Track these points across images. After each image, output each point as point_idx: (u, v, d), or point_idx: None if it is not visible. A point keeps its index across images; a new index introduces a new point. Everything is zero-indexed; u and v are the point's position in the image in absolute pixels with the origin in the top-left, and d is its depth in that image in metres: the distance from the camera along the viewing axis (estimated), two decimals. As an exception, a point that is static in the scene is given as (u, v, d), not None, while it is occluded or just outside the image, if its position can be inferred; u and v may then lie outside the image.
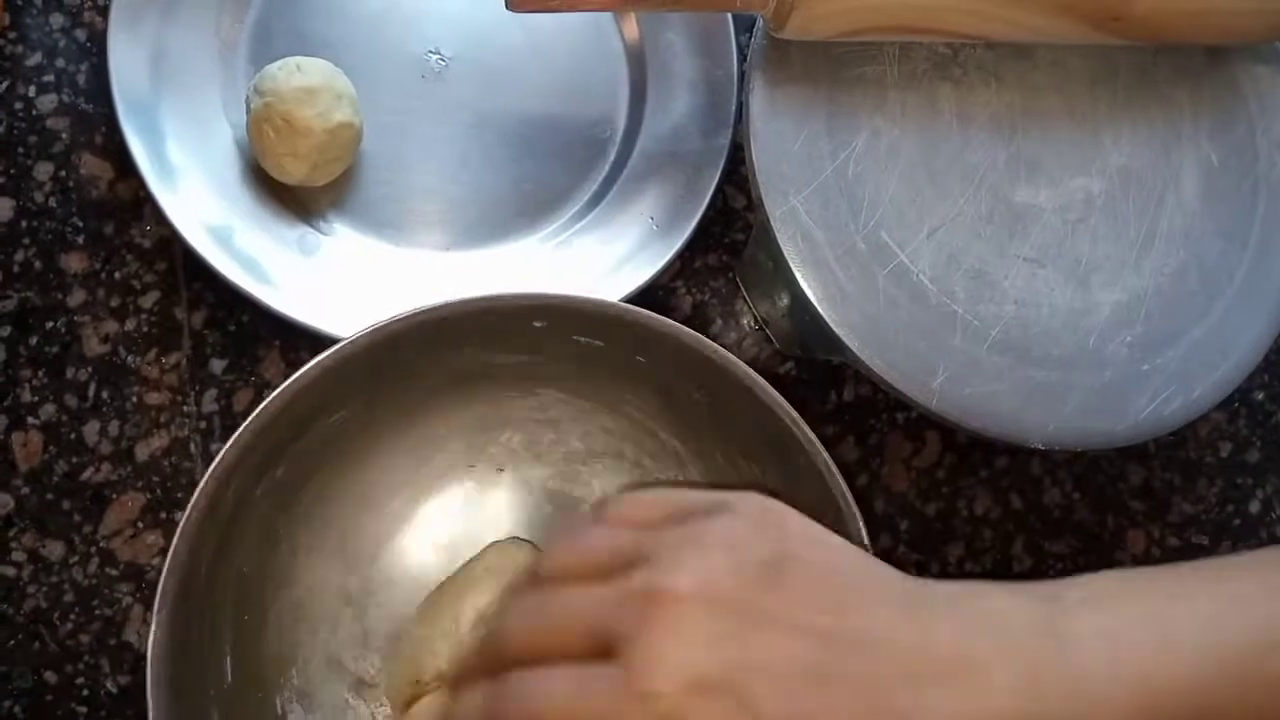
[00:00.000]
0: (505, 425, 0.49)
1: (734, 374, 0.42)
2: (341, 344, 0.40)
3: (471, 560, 0.47)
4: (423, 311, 0.41)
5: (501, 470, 0.50)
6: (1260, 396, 0.60)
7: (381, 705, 0.46)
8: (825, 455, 0.41)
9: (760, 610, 0.29)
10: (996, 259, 0.49)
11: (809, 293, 0.46)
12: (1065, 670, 0.29)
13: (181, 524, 0.39)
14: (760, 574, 0.29)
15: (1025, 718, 0.29)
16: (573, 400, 0.49)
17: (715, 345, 0.42)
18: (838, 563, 0.31)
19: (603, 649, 0.29)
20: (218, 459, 0.39)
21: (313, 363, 0.40)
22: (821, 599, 0.30)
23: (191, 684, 0.40)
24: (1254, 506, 0.58)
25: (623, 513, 0.33)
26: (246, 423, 0.39)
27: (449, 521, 0.49)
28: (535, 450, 0.50)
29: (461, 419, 0.49)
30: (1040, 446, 0.48)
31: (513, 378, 0.48)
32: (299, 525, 0.46)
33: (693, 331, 0.42)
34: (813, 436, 0.42)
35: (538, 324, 0.44)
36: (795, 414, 0.42)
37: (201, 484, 0.39)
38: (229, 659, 0.43)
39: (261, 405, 0.40)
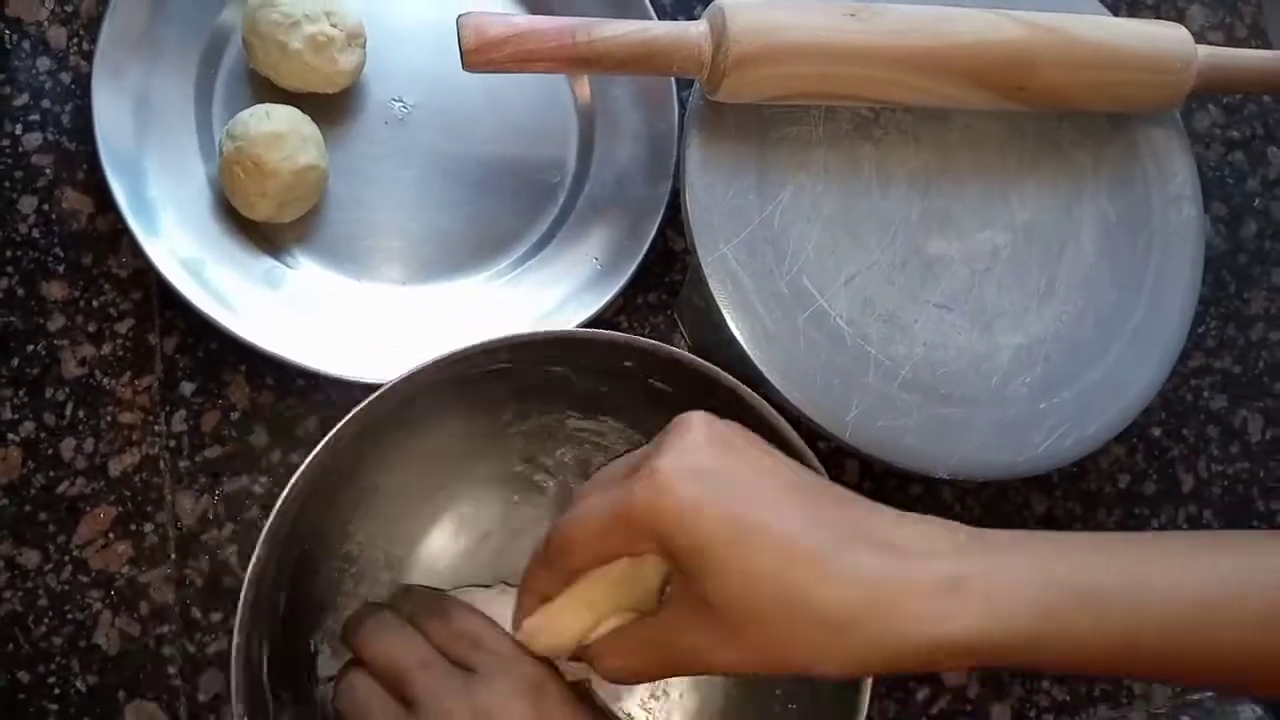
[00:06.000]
0: (565, 440, 0.52)
1: (791, 442, 0.45)
2: (481, 343, 0.44)
3: None
4: (538, 335, 0.46)
5: (549, 480, 0.53)
6: (1158, 433, 0.64)
7: None
8: None
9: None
10: (908, 304, 0.53)
11: (736, 333, 0.50)
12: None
13: (323, 441, 0.42)
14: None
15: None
16: (632, 435, 0.52)
17: (774, 412, 0.46)
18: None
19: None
20: (373, 396, 0.43)
21: (464, 348, 0.44)
22: (790, 463, 0.40)
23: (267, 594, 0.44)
24: (1149, 534, 0.63)
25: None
26: (400, 375, 0.43)
27: (489, 516, 0.53)
28: (584, 470, 0.53)
29: (528, 422, 0.52)
30: (945, 476, 0.52)
31: (585, 399, 0.51)
32: (375, 483, 0.50)
33: (753, 393, 0.46)
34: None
35: (628, 364, 0.47)
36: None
37: (351, 413, 0.43)
38: (284, 593, 0.46)
39: (415, 367, 0.43)
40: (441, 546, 0.52)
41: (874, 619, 0.35)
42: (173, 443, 0.53)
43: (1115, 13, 0.60)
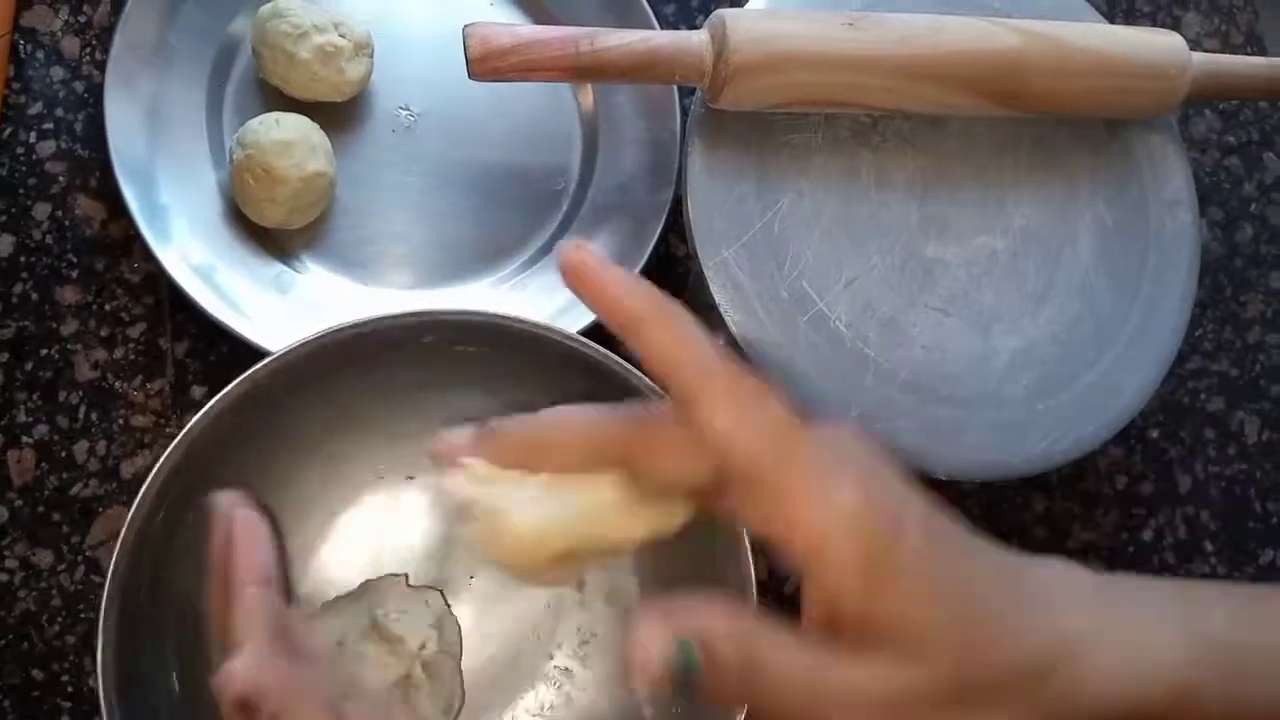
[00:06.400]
0: (407, 436, 0.52)
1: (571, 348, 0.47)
2: (236, 382, 0.43)
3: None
4: (315, 337, 0.45)
5: (411, 478, 0.53)
6: (1155, 434, 0.65)
7: None
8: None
9: None
10: (907, 308, 0.54)
11: (738, 336, 0.51)
12: None
13: (116, 549, 0.41)
14: None
15: None
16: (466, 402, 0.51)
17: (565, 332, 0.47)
18: None
19: None
20: (144, 486, 0.42)
21: (213, 401, 0.43)
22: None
23: (141, 694, 0.43)
24: (1147, 535, 0.63)
25: None
26: (162, 457, 0.42)
27: (368, 529, 0.52)
28: None
29: (366, 434, 0.52)
30: (943, 477, 0.52)
31: (407, 391, 0.51)
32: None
33: (565, 331, 0.47)
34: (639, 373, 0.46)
35: (427, 339, 0.47)
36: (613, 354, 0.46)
37: (131, 511, 0.42)
38: (175, 675, 0.45)
39: (177, 438, 0.42)
40: (328, 576, 0.51)
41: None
42: (184, 445, 0.54)
43: (1110, 20, 0.61)
